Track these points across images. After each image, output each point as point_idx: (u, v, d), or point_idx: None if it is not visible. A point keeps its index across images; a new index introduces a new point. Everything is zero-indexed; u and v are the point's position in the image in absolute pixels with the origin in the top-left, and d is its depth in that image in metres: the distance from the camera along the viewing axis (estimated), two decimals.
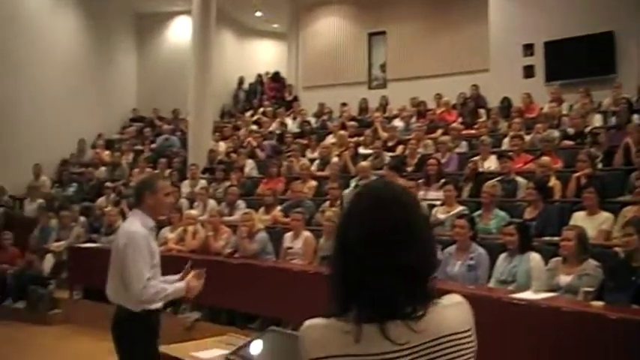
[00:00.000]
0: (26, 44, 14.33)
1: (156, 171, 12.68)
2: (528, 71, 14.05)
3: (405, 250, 1.56)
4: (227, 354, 4.35)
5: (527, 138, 10.84)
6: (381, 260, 1.55)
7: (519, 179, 9.03)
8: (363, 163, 10.32)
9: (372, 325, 1.53)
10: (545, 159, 9.05)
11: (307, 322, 1.63)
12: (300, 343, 1.61)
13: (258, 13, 19.29)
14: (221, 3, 14.71)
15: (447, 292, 1.68)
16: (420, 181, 9.38)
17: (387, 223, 1.59)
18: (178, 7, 18.28)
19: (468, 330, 1.61)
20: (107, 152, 15.37)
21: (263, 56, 20.65)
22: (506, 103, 13.38)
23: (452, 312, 1.60)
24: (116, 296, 4.12)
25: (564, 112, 12.12)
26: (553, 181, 8.62)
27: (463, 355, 1.58)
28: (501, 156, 9.76)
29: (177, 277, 4.33)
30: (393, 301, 1.54)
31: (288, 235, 8.38)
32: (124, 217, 10.98)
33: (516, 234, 6.51)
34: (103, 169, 14.49)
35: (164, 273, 4.28)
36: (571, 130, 10.72)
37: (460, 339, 1.58)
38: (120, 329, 4.10)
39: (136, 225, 4.12)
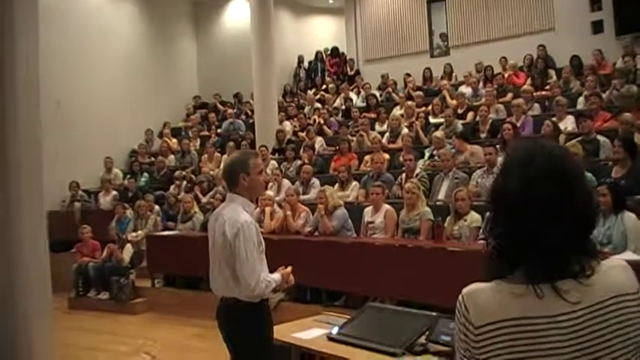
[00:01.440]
0: (88, 39, 14.47)
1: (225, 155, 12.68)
2: (597, 26, 13.58)
3: (566, 198, 1.54)
4: (329, 333, 4.26)
5: (604, 95, 10.44)
6: (544, 210, 1.52)
7: (601, 138, 8.69)
8: (437, 133, 10.09)
9: (543, 285, 1.49)
10: (627, 115, 8.71)
11: (467, 288, 1.57)
12: (461, 312, 1.56)
13: None
14: None
15: None
16: (498, 146, 9.09)
17: (544, 171, 1.56)
18: None
19: (637, 292, 1.54)
20: (174, 140, 15.45)
21: (320, 33, 20.43)
22: (576, 61, 12.93)
23: (617, 273, 1.56)
24: (227, 290, 3.90)
25: (639, 66, 11.63)
26: (638, 138, 8.26)
27: (633, 317, 1.51)
28: (580, 115, 9.40)
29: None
30: (561, 256, 1.51)
31: (368, 209, 8.25)
32: (198, 202, 11.04)
33: (609, 194, 6.20)
34: (172, 157, 14.58)
35: None
36: None
37: (629, 300, 1.52)
38: (238, 321, 3.90)
39: (242, 213, 3.89)
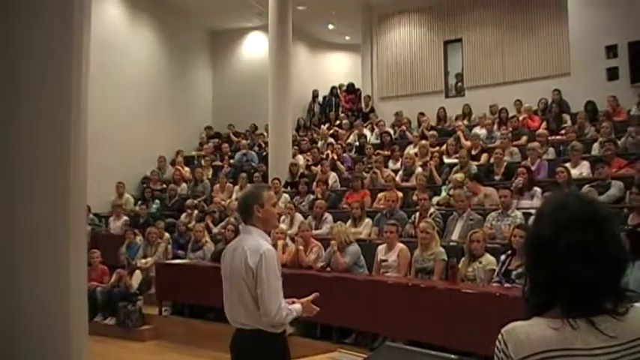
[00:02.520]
0: (105, 65, 14.57)
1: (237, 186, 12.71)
2: (612, 73, 13.61)
3: (597, 241, 1.62)
4: None
5: (619, 142, 10.45)
6: (576, 252, 1.61)
7: (613, 181, 8.75)
8: (457, 175, 10.09)
9: (580, 320, 1.58)
10: None
11: (507, 326, 1.65)
12: (500, 348, 1.63)
13: (331, 26, 19.35)
14: (294, 17, 14.72)
15: None
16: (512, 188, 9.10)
17: (575, 216, 1.66)
18: (252, 23, 18.48)
19: None
20: (187, 169, 15.51)
21: (336, 69, 20.63)
22: (590, 107, 12.96)
23: None
24: (248, 319, 3.84)
25: None
26: None
27: None
28: (596, 161, 9.40)
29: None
30: (594, 294, 1.60)
31: (382, 247, 8.23)
32: (209, 232, 11.03)
33: (627, 241, 6.16)
34: (184, 185, 14.61)
35: None
36: None
37: None
38: (258, 351, 3.84)
39: (262, 241, 3.91)
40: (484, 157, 11.78)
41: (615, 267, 1.64)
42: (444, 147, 12.70)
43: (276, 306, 3.75)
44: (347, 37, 20.18)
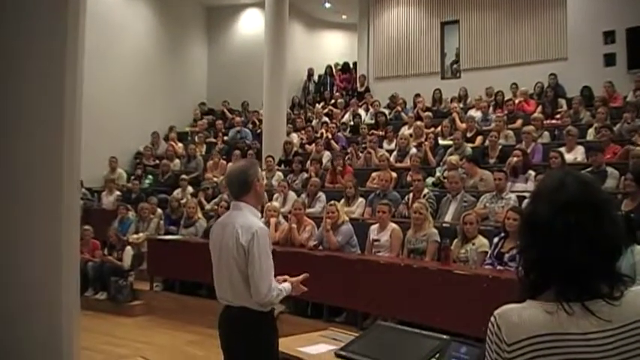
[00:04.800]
0: (99, 39, 14.38)
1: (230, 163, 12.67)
2: (609, 59, 13.55)
3: (594, 223, 1.60)
4: (336, 350, 4.18)
5: (615, 128, 10.44)
6: (573, 234, 1.58)
7: (610, 169, 8.71)
8: (452, 158, 10.09)
9: (573, 304, 1.55)
10: (639, 149, 8.71)
11: (499, 309, 1.63)
12: (493, 331, 1.62)
13: (327, 4, 19.20)
14: None
15: None
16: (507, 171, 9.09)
17: (573, 197, 1.63)
18: None
19: None
20: (180, 145, 15.45)
21: (332, 48, 20.51)
22: (586, 92, 12.93)
23: None
24: (237, 297, 3.84)
25: None
26: None
27: None
28: (590, 148, 9.38)
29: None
30: (589, 278, 1.58)
31: (374, 227, 8.21)
32: (202, 208, 11.00)
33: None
34: (177, 161, 14.56)
35: None
36: None
37: None
38: (246, 330, 3.85)
39: (254, 219, 3.91)
40: (479, 139, 11.76)
41: (611, 250, 1.62)
42: (439, 128, 12.67)
43: (267, 286, 3.75)
44: (344, 16, 20.03)
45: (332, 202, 8.70)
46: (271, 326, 3.94)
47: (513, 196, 8.42)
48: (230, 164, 12.73)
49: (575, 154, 9.88)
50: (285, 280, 4.05)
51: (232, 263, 3.80)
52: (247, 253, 3.74)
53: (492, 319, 1.63)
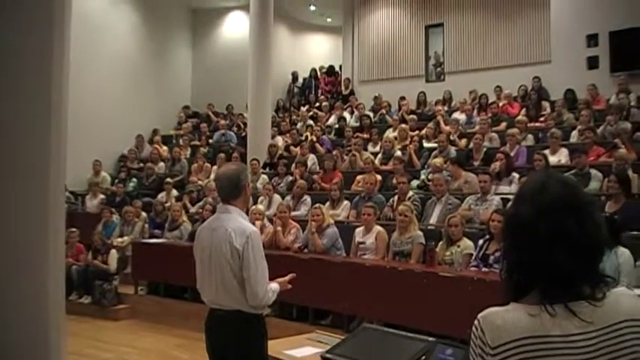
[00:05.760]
0: (83, 40, 14.27)
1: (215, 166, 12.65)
2: (592, 62, 13.64)
3: (576, 225, 1.59)
4: (322, 352, 4.15)
5: (598, 130, 10.51)
6: (555, 236, 1.58)
7: (592, 171, 8.77)
8: (436, 160, 10.11)
9: (556, 306, 1.55)
10: (622, 151, 8.79)
11: (483, 312, 1.63)
12: (477, 335, 1.61)
13: (312, 7, 19.22)
14: None
15: None
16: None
17: (555, 199, 1.63)
18: (233, 2, 18.37)
19: None
20: (165, 148, 15.38)
21: (316, 51, 20.54)
22: (570, 95, 13.02)
23: (628, 300, 1.63)
24: (227, 300, 3.84)
25: (632, 103, 11.73)
26: (630, 174, 8.33)
27: None
28: (574, 150, 9.43)
29: None
30: (572, 280, 1.58)
31: (360, 229, 8.20)
32: (187, 212, 10.96)
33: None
34: (161, 164, 14.50)
35: None
36: None
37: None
38: (236, 333, 3.85)
39: (245, 222, 3.92)
40: (463, 142, 11.82)
41: (594, 252, 1.62)
42: (423, 131, 12.70)
43: (264, 288, 3.79)
44: (328, 19, 20.07)
45: (317, 204, 8.70)
46: (263, 329, 3.96)
47: (497, 198, 8.45)
48: (215, 167, 12.70)
49: (559, 157, 9.94)
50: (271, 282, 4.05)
51: (225, 267, 3.79)
52: (242, 256, 3.75)
53: (476, 322, 1.63)
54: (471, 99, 14.43)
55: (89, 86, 14.26)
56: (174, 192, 12.51)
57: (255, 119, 13.74)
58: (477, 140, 10.91)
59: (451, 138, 11.77)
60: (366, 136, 13.42)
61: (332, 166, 11.30)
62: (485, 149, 10.81)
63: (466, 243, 7.31)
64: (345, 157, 12.11)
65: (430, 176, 9.77)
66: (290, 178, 11.74)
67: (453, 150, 11.06)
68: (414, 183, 10.22)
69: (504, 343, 1.55)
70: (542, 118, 12.44)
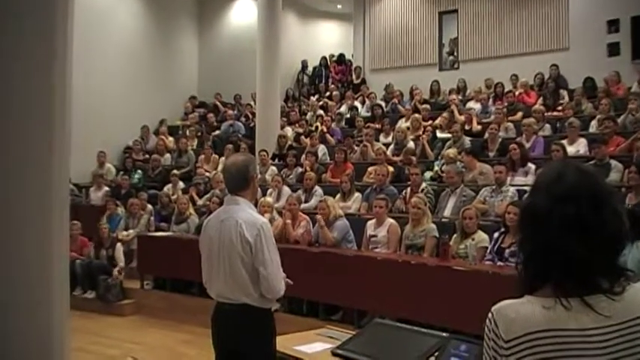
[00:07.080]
0: (88, 31, 14.11)
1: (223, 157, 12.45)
2: (613, 49, 13.33)
3: (594, 216, 1.55)
4: (333, 348, 4.10)
5: (618, 119, 10.20)
6: (572, 226, 1.54)
7: (613, 162, 8.52)
8: (450, 151, 9.89)
9: (572, 299, 1.52)
10: None
11: (497, 305, 1.60)
12: (491, 328, 1.59)
13: None
14: None
15: None
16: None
17: (572, 189, 1.59)
18: None
19: None
20: (171, 139, 15.18)
21: (326, 38, 20.26)
22: (589, 83, 12.70)
23: None
24: (238, 294, 3.75)
25: None
26: None
27: None
28: (593, 140, 9.16)
29: None
30: (589, 272, 1.54)
31: (371, 222, 8.05)
32: (194, 204, 10.75)
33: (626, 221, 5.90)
34: (167, 156, 14.31)
35: None
36: None
37: None
38: (246, 328, 3.78)
39: (255, 213, 3.87)
40: (478, 132, 11.59)
41: (613, 244, 1.57)
42: (437, 121, 12.45)
43: (280, 280, 3.76)
44: (339, 6, 19.78)
45: (323, 197, 8.54)
46: (271, 324, 3.90)
47: (513, 189, 8.24)
48: (222, 159, 12.48)
49: (578, 147, 9.68)
50: None
51: (235, 258, 3.72)
52: (254, 248, 3.67)
53: (490, 315, 1.60)
54: (486, 88, 14.14)
55: (93, 76, 14.05)
56: (181, 184, 12.32)
57: (264, 109, 13.53)
58: (493, 130, 10.69)
59: (466, 128, 11.51)
60: (377, 126, 13.22)
61: (343, 157, 11.07)
62: (500, 139, 10.58)
63: (481, 236, 7.17)
64: (356, 147, 11.86)
65: (444, 167, 9.52)
66: (300, 169, 11.55)
67: (467, 140, 10.84)
68: (427, 174, 10.04)
69: (518, 336, 1.53)
70: (560, 108, 12.25)
